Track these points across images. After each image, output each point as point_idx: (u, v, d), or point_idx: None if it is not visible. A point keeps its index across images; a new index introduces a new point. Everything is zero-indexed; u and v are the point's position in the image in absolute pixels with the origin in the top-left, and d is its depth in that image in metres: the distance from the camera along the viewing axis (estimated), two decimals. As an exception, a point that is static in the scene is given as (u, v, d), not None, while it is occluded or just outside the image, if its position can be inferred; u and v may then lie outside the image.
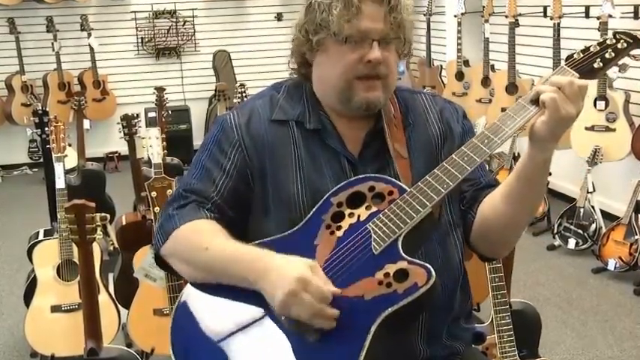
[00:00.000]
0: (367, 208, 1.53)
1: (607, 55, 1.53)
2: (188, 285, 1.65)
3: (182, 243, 1.62)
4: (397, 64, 1.69)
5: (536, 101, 1.50)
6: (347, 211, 1.54)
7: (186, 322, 1.59)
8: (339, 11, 1.57)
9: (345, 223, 1.52)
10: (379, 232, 1.48)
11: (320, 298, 1.41)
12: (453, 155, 1.53)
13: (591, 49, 1.54)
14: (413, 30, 1.67)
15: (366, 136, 1.69)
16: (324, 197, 1.57)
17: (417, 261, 1.43)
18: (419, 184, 1.52)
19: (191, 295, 1.63)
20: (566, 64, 1.54)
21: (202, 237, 1.59)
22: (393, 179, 1.57)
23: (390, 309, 1.38)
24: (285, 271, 1.43)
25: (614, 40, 1.54)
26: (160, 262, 1.70)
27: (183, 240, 1.62)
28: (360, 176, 1.59)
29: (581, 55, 1.54)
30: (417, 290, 1.38)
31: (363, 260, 1.47)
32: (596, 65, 1.53)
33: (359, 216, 1.53)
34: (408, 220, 1.47)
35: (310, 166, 1.66)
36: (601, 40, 1.54)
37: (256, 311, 1.51)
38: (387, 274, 1.43)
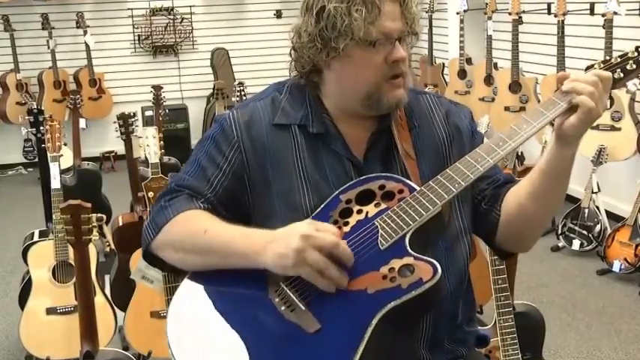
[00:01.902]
0: (376, 205, 1.53)
1: (628, 67, 1.55)
2: (178, 292, 1.60)
3: (178, 231, 1.60)
4: None
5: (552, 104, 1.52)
6: (355, 208, 1.53)
7: (182, 326, 1.54)
8: (363, 15, 1.54)
9: (353, 219, 1.52)
10: (387, 227, 1.48)
11: (332, 231, 1.44)
12: (467, 156, 1.53)
13: (612, 60, 1.56)
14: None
15: (371, 137, 1.67)
16: (333, 194, 1.57)
17: (424, 257, 1.42)
18: (430, 182, 1.51)
19: (184, 299, 1.59)
20: (586, 72, 1.55)
21: (200, 221, 1.58)
22: (404, 178, 1.56)
23: (393, 302, 1.37)
24: (291, 228, 1.45)
25: (635, 53, 1.56)
26: (149, 256, 1.68)
27: (179, 228, 1.60)
28: (372, 175, 1.58)
29: (602, 66, 1.56)
30: (421, 285, 1.37)
31: (369, 255, 1.46)
32: (616, 76, 1.55)
33: (367, 212, 1.52)
34: (417, 218, 1.46)
35: (314, 170, 1.64)
36: (622, 53, 1.57)
37: (254, 301, 1.49)
38: (392, 269, 1.42)
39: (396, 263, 1.42)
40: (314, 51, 1.60)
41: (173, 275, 2.83)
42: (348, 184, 1.57)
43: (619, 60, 1.56)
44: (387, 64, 1.59)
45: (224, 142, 1.66)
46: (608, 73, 1.53)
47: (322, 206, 1.57)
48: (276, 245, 1.45)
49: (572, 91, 1.50)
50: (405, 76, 1.63)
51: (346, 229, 1.52)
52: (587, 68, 1.57)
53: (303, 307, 1.44)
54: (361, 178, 1.58)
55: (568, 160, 1.56)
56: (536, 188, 1.60)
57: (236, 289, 1.53)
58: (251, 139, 1.65)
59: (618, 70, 1.55)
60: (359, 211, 1.53)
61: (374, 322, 1.37)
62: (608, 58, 1.58)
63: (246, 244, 1.50)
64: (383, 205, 1.52)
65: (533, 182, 1.61)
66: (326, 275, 1.42)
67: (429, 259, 1.42)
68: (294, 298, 1.46)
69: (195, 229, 1.57)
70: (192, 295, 1.58)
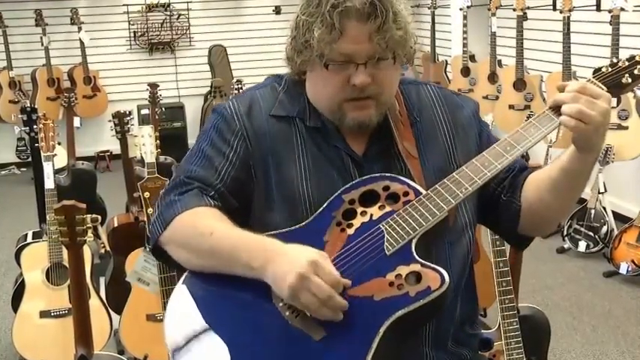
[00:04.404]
0: (380, 207, 1.52)
1: (636, 72, 1.56)
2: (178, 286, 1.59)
3: (185, 229, 1.59)
4: (397, 73, 1.62)
5: (558, 110, 1.53)
6: (359, 209, 1.52)
7: (180, 328, 1.52)
8: (319, 34, 1.50)
9: (357, 222, 1.51)
10: (393, 232, 1.47)
11: (331, 282, 1.40)
12: (474, 160, 1.54)
13: (620, 64, 1.57)
14: (411, 40, 1.58)
15: (371, 135, 1.65)
16: (336, 194, 1.55)
17: (431, 265, 1.43)
18: (436, 186, 1.51)
19: (182, 300, 1.56)
20: (593, 77, 1.57)
21: (208, 222, 1.57)
22: (409, 180, 1.55)
23: (400, 311, 1.38)
24: (296, 256, 1.43)
25: None
26: (157, 251, 1.66)
27: (187, 225, 1.58)
28: (375, 175, 1.56)
29: (610, 70, 1.56)
30: (429, 294, 1.38)
31: (374, 260, 1.45)
32: (624, 80, 1.56)
33: (372, 215, 1.51)
34: (424, 223, 1.46)
35: (315, 163, 1.62)
36: (629, 57, 1.58)
37: (258, 305, 1.49)
38: (398, 276, 1.42)
39: (403, 270, 1.42)
40: (289, 55, 1.61)
41: (171, 276, 2.84)
42: (350, 184, 1.56)
43: (627, 64, 1.56)
44: (349, 86, 1.54)
45: (227, 130, 1.64)
46: (585, 84, 1.51)
47: (324, 206, 1.54)
48: (276, 269, 1.44)
49: (556, 104, 1.51)
50: (378, 97, 1.57)
51: (350, 231, 1.50)
52: (595, 72, 1.57)
53: (308, 314, 1.42)
54: (364, 177, 1.56)
55: (589, 163, 1.57)
56: (557, 184, 1.60)
57: (239, 292, 1.51)
58: (253, 127, 1.64)
59: (626, 75, 1.55)
60: (363, 213, 1.51)
61: (382, 330, 1.36)
62: (616, 61, 1.58)
63: (248, 256, 1.49)
64: (388, 208, 1.51)
65: (553, 177, 1.61)
66: (326, 305, 1.41)
67: (436, 267, 1.42)
68: None
69: (202, 230, 1.55)
70: (190, 296, 1.55)
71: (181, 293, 1.55)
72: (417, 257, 1.43)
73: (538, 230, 1.74)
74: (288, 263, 1.42)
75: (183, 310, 1.53)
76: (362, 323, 1.38)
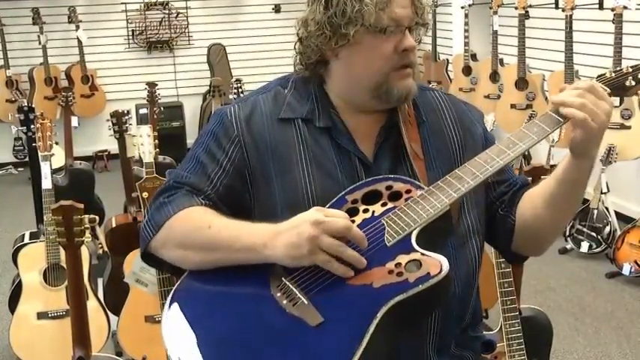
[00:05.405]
0: (383, 204, 1.53)
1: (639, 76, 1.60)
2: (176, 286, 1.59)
3: (181, 227, 1.59)
4: None
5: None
6: (361, 207, 1.54)
7: (178, 325, 1.51)
8: (374, 0, 1.56)
9: (359, 218, 1.52)
10: (393, 225, 1.48)
11: (341, 215, 1.45)
12: (476, 157, 1.55)
13: (624, 70, 1.61)
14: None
15: (379, 134, 1.66)
16: (339, 195, 1.56)
17: (431, 253, 1.43)
18: (438, 182, 1.52)
19: (181, 298, 1.55)
20: (597, 80, 1.59)
21: (203, 217, 1.57)
22: (411, 179, 1.57)
23: (399, 296, 1.38)
24: (298, 218, 1.45)
25: None
26: (148, 257, 1.66)
27: (181, 224, 1.58)
28: (378, 177, 1.59)
29: (613, 75, 1.60)
30: (429, 279, 1.38)
31: (375, 251, 1.46)
32: (628, 83, 1.60)
33: (373, 212, 1.53)
34: (425, 215, 1.47)
35: (320, 166, 1.63)
36: (633, 65, 1.62)
37: (255, 298, 1.49)
38: (398, 264, 1.43)
39: (403, 259, 1.43)
40: (322, 39, 1.60)
41: (169, 277, 2.82)
42: (354, 186, 1.57)
43: (630, 70, 1.60)
44: (397, 53, 1.59)
45: (224, 136, 1.64)
46: (594, 83, 1.54)
47: (327, 206, 1.54)
48: (286, 236, 1.45)
49: (562, 103, 1.52)
50: (414, 67, 1.63)
51: None
52: (599, 77, 1.60)
53: (305, 301, 1.43)
54: (368, 180, 1.58)
55: (585, 171, 1.58)
56: (553, 196, 1.62)
57: (236, 286, 1.53)
58: (252, 133, 1.64)
59: (630, 78, 1.60)
60: (365, 210, 1.53)
61: (379, 315, 1.36)
62: (620, 68, 1.62)
63: (252, 237, 1.49)
64: (390, 205, 1.52)
65: (549, 190, 1.62)
66: (343, 259, 1.42)
67: (436, 255, 1.42)
68: (297, 293, 1.45)
69: (199, 224, 1.56)
70: (189, 293, 1.56)
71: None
72: (417, 247, 1.44)
73: (531, 249, 1.75)
74: (295, 226, 1.43)
75: (192, 308, 1.52)
76: (360, 308, 1.39)
